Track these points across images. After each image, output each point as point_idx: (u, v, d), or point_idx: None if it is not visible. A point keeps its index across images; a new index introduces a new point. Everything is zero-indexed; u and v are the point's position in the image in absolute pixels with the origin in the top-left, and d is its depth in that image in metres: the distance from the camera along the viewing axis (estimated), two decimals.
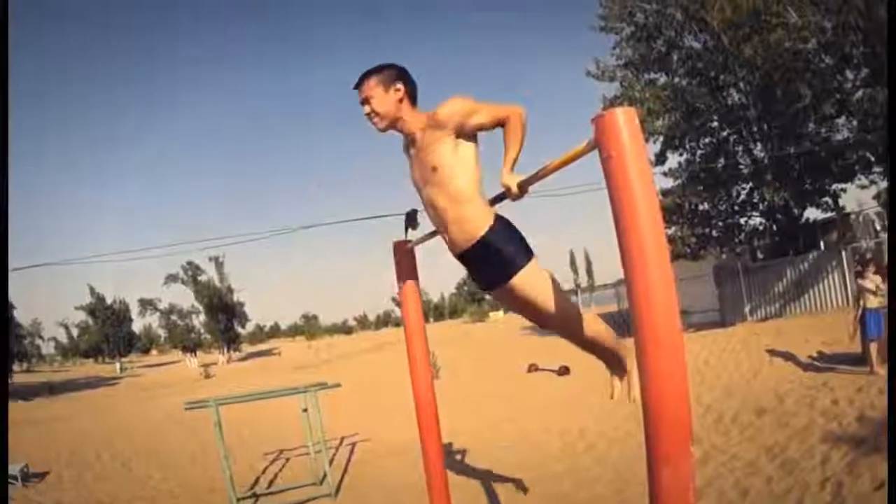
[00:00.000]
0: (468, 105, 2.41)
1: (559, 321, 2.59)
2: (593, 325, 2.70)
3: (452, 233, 2.55)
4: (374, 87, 2.54)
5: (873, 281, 9.32)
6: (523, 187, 2.24)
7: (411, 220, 3.11)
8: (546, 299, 2.51)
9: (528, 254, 2.50)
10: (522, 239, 2.54)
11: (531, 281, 2.48)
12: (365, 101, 2.56)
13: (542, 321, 2.68)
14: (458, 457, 8.07)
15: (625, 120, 1.62)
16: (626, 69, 18.54)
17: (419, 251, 3.29)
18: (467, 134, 2.48)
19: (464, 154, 2.47)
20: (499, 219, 2.53)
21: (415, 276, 3.23)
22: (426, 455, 3.16)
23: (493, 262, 2.50)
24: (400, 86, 2.55)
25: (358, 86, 2.58)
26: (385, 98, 2.53)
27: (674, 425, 1.50)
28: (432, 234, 2.87)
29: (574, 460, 7.81)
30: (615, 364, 2.90)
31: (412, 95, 2.60)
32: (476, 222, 2.48)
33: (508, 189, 2.30)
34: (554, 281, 2.56)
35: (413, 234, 3.19)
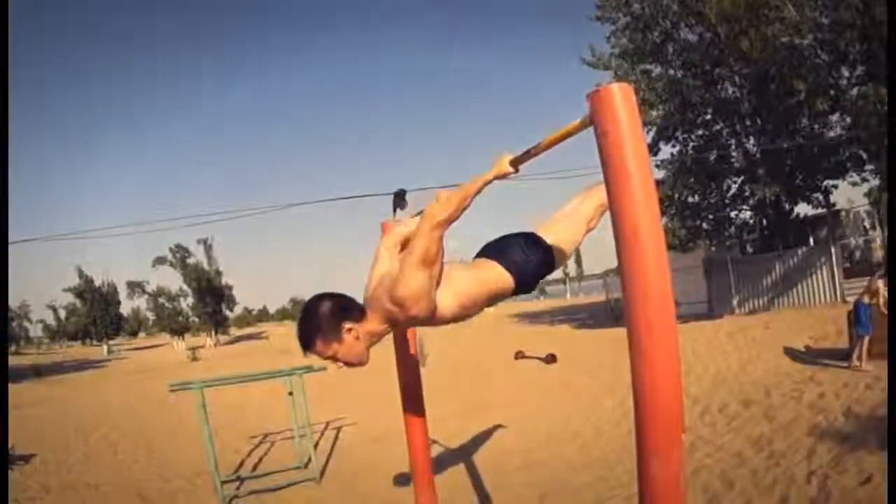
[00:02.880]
0: (412, 289, 1.97)
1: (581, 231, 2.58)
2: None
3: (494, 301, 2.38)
4: (328, 346, 2.08)
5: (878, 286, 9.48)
6: (516, 165, 2.11)
7: (400, 199, 2.97)
8: (569, 242, 2.53)
9: (545, 254, 2.41)
10: (528, 245, 2.40)
11: (558, 251, 2.46)
12: (331, 359, 2.12)
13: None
14: (445, 443, 8.05)
15: (621, 95, 1.53)
16: (620, 59, 18.46)
17: None
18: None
19: (442, 288, 2.10)
20: (507, 260, 2.33)
21: None
22: (411, 442, 3.10)
23: (538, 277, 2.44)
24: (347, 324, 2.08)
25: (307, 351, 2.13)
26: (344, 346, 2.08)
27: (665, 414, 1.44)
28: (421, 213, 2.75)
29: (561, 447, 7.82)
30: None
31: (358, 312, 2.12)
32: (501, 285, 2.30)
33: (505, 175, 2.09)
34: (554, 229, 2.51)
35: (402, 214, 3.03)
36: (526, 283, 2.37)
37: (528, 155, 2.00)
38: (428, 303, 2.02)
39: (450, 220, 2.01)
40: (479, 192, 2.05)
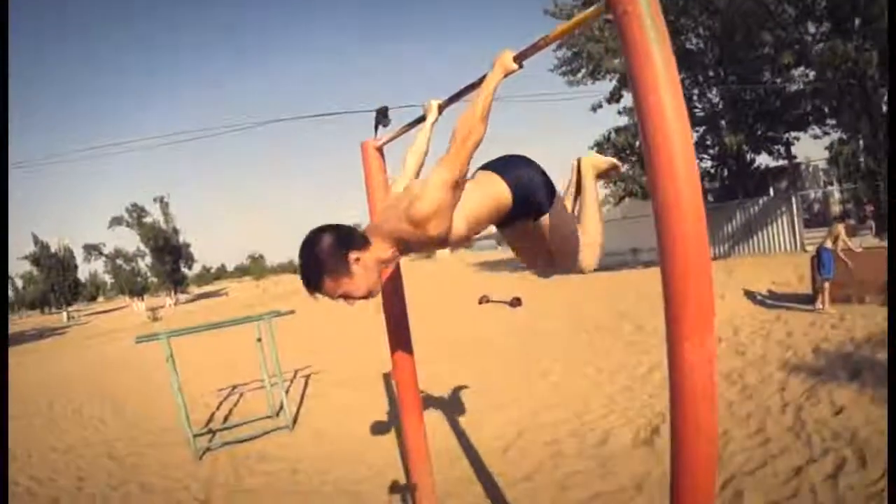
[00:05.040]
0: (437, 206, 1.86)
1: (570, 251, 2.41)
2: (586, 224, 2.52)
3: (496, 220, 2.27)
4: (337, 282, 1.93)
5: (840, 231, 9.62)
6: (520, 61, 1.96)
7: (382, 116, 2.77)
8: (563, 236, 2.36)
9: (550, 197, 2.30)
10: (542, 183, 2.30)
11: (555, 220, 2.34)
12: (343, 297, 1.97)
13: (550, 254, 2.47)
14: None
15: None
16: (584, 8, 18.21)
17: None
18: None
19: (458, 212, 1.99)
20: (510, 174, 2.22)
21: (385, 179, 2.90)
22: (399, 377, 3.03)
23: (535, 197, 2.27)
24: (353, 254, 1.93)
25: (315, 292, 1.97)
26: (356, 278, 1.94)
27: (697, 297, 1.41)
28: (407, 128, 2.58)
29: (531, 386, 7.84)
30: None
31: (361, 240, 1.98)
32: (502, 200, 2.18)
33: (510, 72, 1.95)
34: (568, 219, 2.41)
35: (384, 132, 2.84)
36: (524, 200, 2.23)
37: (534, 48, 1.87)
38: (448, 222, 1.92)
39: (479, 139, 1.91)
40: (492, 97, 1.93)
